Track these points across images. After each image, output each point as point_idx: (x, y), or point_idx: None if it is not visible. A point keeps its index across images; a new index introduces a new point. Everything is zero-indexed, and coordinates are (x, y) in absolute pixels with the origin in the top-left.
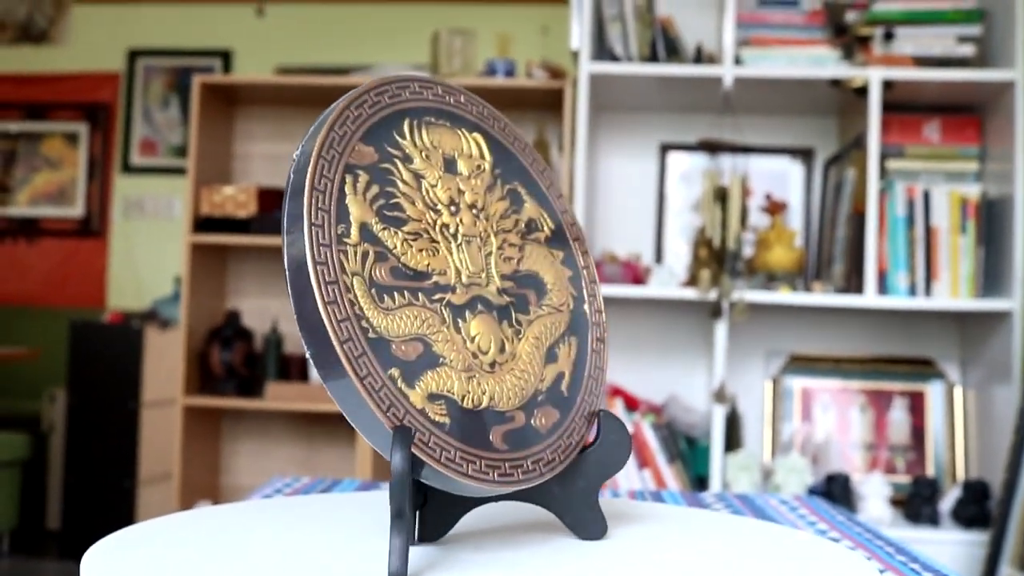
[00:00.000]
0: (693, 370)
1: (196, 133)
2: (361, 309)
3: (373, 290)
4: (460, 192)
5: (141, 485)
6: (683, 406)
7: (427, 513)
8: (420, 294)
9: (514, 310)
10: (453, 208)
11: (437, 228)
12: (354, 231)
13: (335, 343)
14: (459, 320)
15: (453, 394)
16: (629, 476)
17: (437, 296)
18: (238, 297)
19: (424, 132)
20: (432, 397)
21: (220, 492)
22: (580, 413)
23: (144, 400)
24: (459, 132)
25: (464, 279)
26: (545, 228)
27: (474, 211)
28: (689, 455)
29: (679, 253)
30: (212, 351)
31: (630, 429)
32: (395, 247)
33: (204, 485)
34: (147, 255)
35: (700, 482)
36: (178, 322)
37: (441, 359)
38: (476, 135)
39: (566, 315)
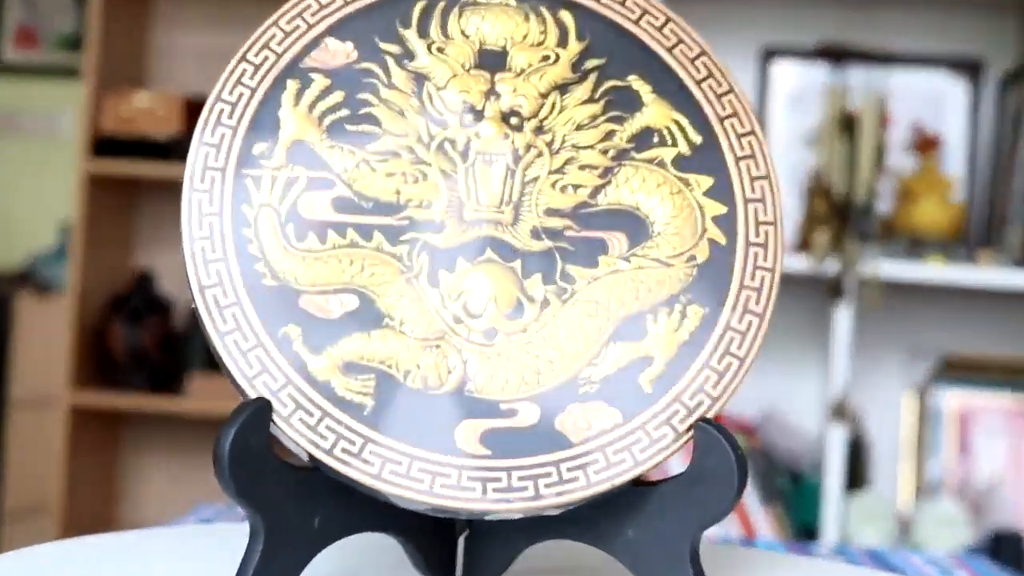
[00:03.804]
0: (800, 375)
1: (97, 16)
2: (260, 249)
3: (290, 225)
4: (491, 95)
5: (6, 519)
6: (785, 426)
7: (469, 546)
8: (376, 233)
9: (563, 260)
10: (470, 117)
11: (434, 145)
12: (280, 150)
13: (195, 287)
14: (440, 269)
15: (391, 367)
16: None
17: (407, 236)
18: (152, 252)
19: (451, 17)
20: (350, 368)
21: (121, 529)
22: (665, 419)
23: (13, 397)
24: (526, 12)
25: (466, 214)
26: (679, 142)
27: (512, 120)
28: (792, 495)
29: (785, 206)
30: (113, 328)
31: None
32: (344, 171)
33: (97, 519)
34: (22, 191)
35: (807, 533)
36: (65, 287)
37: (386, 320)
38: (564, 14)
39: (682, 270)
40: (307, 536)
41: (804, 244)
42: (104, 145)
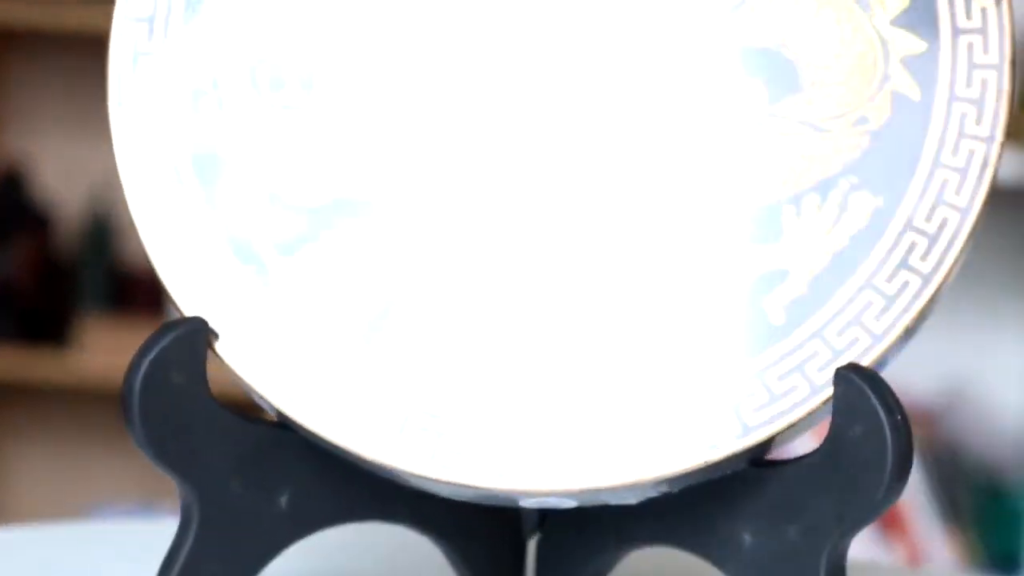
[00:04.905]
0: (1002, 336)
1: None
2: (219, 101)
3: (264, 65)
4: None
5: None
6: (978, 413)
7: (546, 549)
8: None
9: (665, 120)
10: None
11: None
12: None
13: (121, 156)
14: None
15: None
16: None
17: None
18: (25, 136)
19: None
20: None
21: None
22: (797, 364)
23: None
24: None
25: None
26: None
27: None
28: (987, 513)
29: None
30: None
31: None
32: None
33: None
34: None
35: (1007, 562)
36: None
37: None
38: None
39: (847, 139)
40: (268, 521)
41: (1010, 132)
42: None
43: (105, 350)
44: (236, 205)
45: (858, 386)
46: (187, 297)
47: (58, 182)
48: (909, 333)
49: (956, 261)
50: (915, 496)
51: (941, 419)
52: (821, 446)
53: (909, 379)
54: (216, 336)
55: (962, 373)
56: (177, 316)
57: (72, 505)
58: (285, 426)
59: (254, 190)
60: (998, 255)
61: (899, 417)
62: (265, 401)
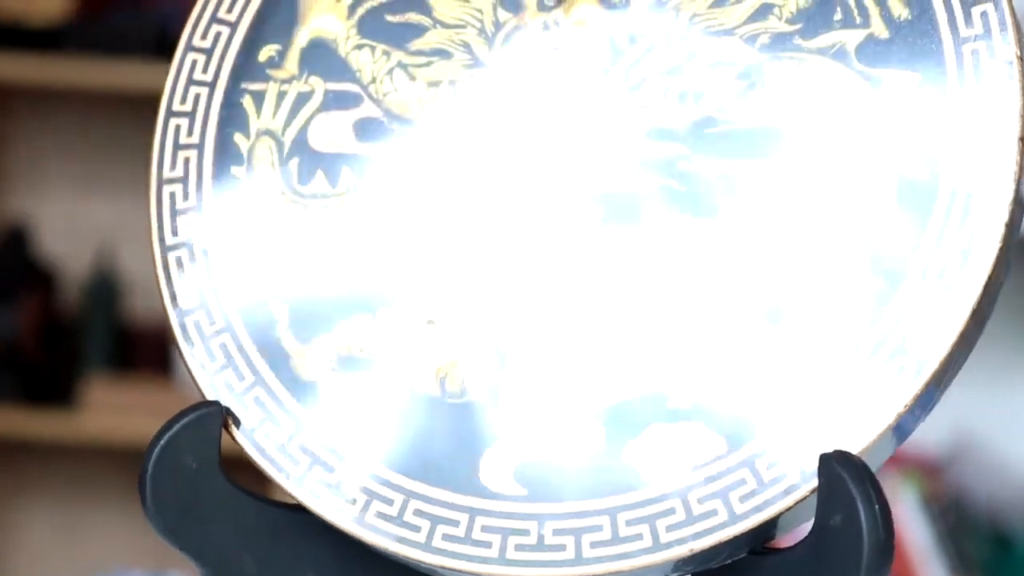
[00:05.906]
0: (1011, 385)
1: None
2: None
3: (293, 160)
4: None
5: None
6: (987, 464)
7: None
8: None
9: (668, 206)
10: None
11: (499, 38)
12: (293, 56)
13: (156, 246)
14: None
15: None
16: None
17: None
18: (30, 195)
19: None
20: (347, 363)
21: None
22: (790, 450)
23: None
24: None
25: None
26: (871, 17)
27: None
28: (996, 562)
29: None
30: None
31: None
32: (374, 80)
33: None
34: None
35: None
36: None
37: (410, 294)
38: None
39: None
40: None
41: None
42: None
43: (110, 409)
44: (264, 289)
45: (838, 474)
46: (210, 386)
47: (62, 240)
48: (905, 420)
49: (955, 345)
50: (923, 547)
51: (949, 469)
52: (808, 534)
53: (918, 430)
54: (237, 421)
55: (970, 423)
56: (187, 383)
57: (78, 566)
58: (303, 508)
59: (280, 280)
60: (1007, 306)
61: (878, 507)
62: (279, 485)
